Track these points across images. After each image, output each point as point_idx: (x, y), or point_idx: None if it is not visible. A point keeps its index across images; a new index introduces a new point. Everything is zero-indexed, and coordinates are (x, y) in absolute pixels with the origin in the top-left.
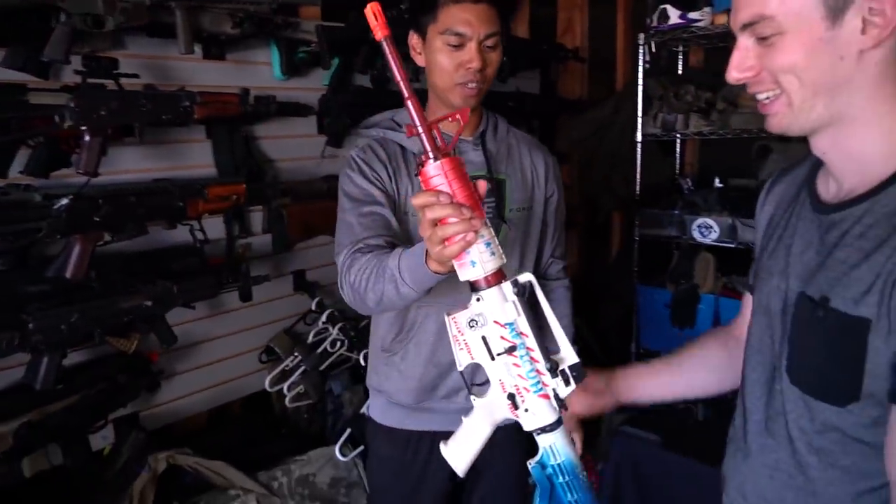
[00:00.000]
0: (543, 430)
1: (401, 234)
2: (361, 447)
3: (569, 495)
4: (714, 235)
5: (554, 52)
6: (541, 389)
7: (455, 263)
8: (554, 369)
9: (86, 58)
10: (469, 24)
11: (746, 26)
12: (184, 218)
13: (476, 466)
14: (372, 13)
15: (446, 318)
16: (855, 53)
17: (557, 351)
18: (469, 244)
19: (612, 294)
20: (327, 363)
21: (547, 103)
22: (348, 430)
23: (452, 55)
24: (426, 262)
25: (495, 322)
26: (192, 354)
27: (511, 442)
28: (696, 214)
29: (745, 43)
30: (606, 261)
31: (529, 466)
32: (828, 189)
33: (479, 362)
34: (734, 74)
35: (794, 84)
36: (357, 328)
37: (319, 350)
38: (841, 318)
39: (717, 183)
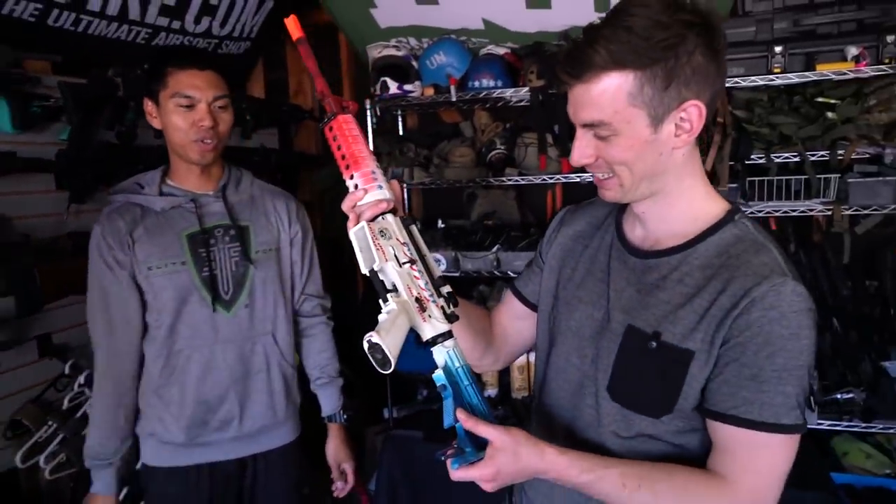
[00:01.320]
0: (445, 336)
1: (148, 292)
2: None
3: (473, 398)
4: (442, 267)
5: (291, 112)
6: (436, 300)
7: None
8: (438, 288)
9: None
10: (197, 87)
11: (588, 125)
12: None
13: (259, 491)
14: (291, 23)
15: (364, 225)
16: (670, 150)
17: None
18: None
19: (360, 322)
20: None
21: (288, 157)
22: (126, 489)
23: (185, 115)
24: None
25: (397, 239)
26: None
27: (280, 469)
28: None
29: (584, 135)
30: (355, 301)
31: (434, 376)
32: (635, 235)
33: (388, 266)
34: (576, 160)
35: (626, 172)
36: None
37: (79, 414)
38: (671, 349)
39: (439, 224)
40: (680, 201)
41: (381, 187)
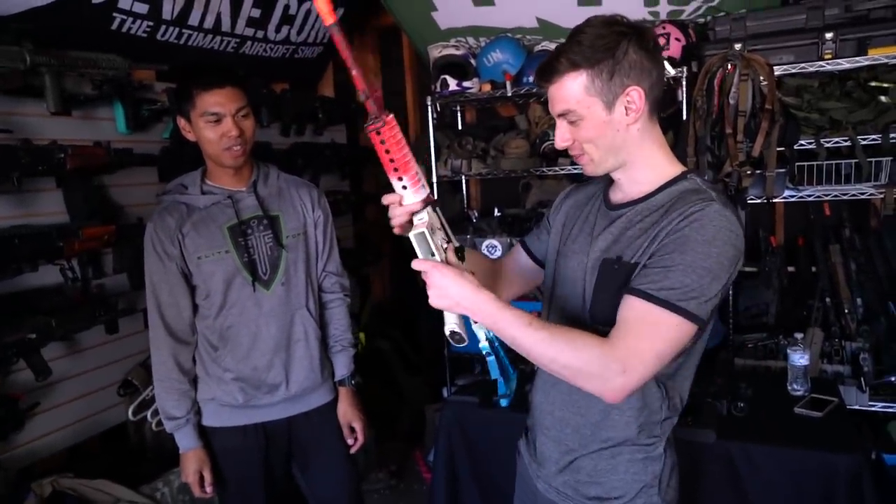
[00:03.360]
0: None
1: (198, 278)
2: None
3: (505, 360)
4: (498, 253)
5: (358, 110)
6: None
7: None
8: (458, 249)
9: None
10: (220, 104)
11: (561, 114)
12: (61, 257)
13: (306, 446)
14: (318, 4)
15: (425, 231)
16: (625, 127)
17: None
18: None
19: (425, 309)
20: None
21: (355, 152)
22: None
23: (215, 129)
24: None
25: (438, 228)
26: (51, 393)
27: (324, 423)
28: (484, 237)
29: (562, 123)
30: (417, 283)
31: (480, 346)
32: (615, 197)
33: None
34: (559, 144)
35: (593, 149)
36: None
37: None
38: (626, 265)
39: (496, 212)
40: (644, 168)
41: (423, 186)
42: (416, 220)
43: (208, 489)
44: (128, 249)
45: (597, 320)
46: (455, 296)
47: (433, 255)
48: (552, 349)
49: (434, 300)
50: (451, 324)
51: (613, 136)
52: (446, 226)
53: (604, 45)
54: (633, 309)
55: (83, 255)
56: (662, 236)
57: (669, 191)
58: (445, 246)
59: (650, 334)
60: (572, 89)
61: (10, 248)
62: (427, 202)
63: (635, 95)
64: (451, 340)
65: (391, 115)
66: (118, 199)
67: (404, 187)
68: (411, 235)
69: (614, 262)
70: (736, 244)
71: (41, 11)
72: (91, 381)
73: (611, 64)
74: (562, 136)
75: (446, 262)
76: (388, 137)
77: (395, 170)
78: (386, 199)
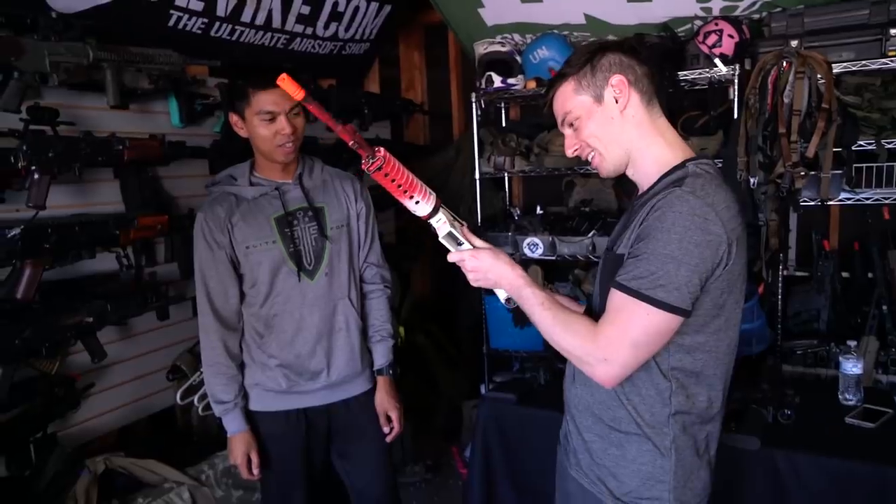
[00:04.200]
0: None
1: (245, 267)
2: None
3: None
4: (540, 251)
5: (403, 106)
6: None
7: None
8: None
9: (31, 108)
10: (275, 103)
11: (563, 122)
12: (117, 244)
13: (345, 433)
14: (286, 80)
15: (451, 229)
16: (619, 115)
17: None
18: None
19: (464, 305)
20: None
21: (399, 148)
22: None
23: (269, 127)
24: None
25: (455, 221)
26: (104, 376)
27: (363, 410)
28: (525, 235)
29: (567, 132)
30: (457, 278)
31: (502, 301)
32: (637, 193)
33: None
34: (569, 153)
35: (598, 143)
36: None
37: None
38: (616, 256)
39: (538, 210)
40: (649, 161)
41: (430, 192)
42: (435, 222)
43: (255, 471)
44: (179, 239)
45: (603, 308)
46: (493, 275)
47: (461, 244)
48: (552, 330)
49: (475, 282)
50: (503, 294)
51: (610, 125)
52: (452, 213)
53: (583, 55)
54: (612, 299)
55: (137, 244)
56: (638, 228)
57: (664, 181)
58: (464, 232)
59: (623, 323)
60: (564, 94)
61: (71, 236)
62: (437, 204)
63: (617, 81)
64: (506, 306)
65: (381, 149)
66: (171, 190)
67: (417, 202)
68: (441, 239)
69: (609, 252)
70: (703, 227)
71: (104, 8)
72: (142, 365)
73: (591, 65)
74: (569, 144)
75: (475, 247)
76: (390, 170)
77: (405, 192)
78: (452, 257)
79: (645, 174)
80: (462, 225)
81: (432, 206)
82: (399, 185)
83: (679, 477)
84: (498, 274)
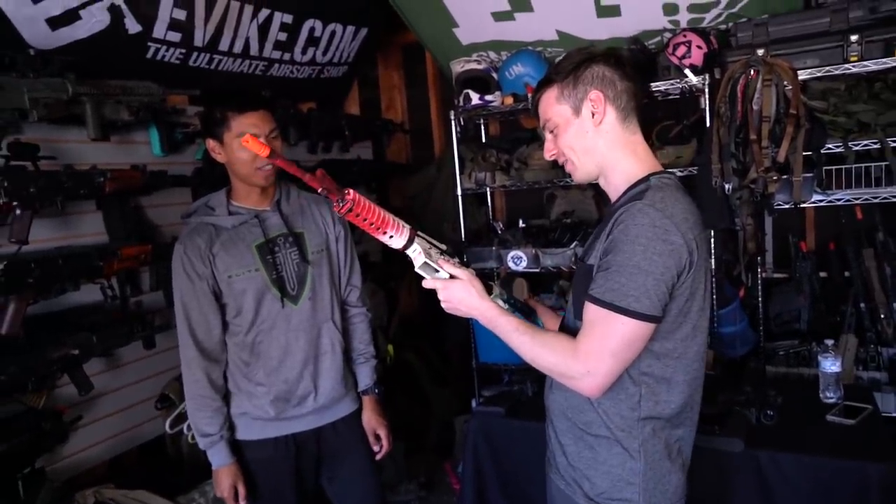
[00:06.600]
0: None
1: (228, 296)
2: None
3: (515, 308)
4: (524, 264)
5: (384, 126)
6: (451, 260)
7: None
8: (448, 251)
9: (11, 144)
10: (255, 125)
11: (544, 126)
12: (101, 275)
13: (334, 456)
14: (250, 142)
15: (425, 259)
16: (594, 129)
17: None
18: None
19: (452, 321)
20: None
21: (380, 167)
22: None
23: (249, 150)
24: None
25: (428, 249)
26: (92, 407)
27: (351, 430)
28: (509, 248)
29: (548, 136)
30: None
31: (500, 300)
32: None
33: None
34: (546, 155)
35: (572, 153)
36: None
37: None
38: (587, 266)
39: (521, 223)
40: (618, 173)
41: (402, 225)
42: (410, 253)
43: (242, 503)
44: (163, 267)
45: (578, 317)
46: (463, 307)
47: (437, 271)
48: (532, 352)
49: (448, 311)
50: (501, 290)
51: (585, 137)
52: (430, 239)
53: (570, 64)
54: (587, 312)
55: (121, 274)
56: (605, 241)
57: (628, 194)
58: (439, 261)
59: (601, 335)
60: (548, 101)
61: (55, 269)
62: (411, 235)
63: (595, 96)
64: (504, 293)
65: (351, 191)
66: (154, 219)
67: (391, 237)
68: (417, 269)
69: (581, 263)
70: (665, 238)
71: (82, 43)
72: (130, 396)
73: (574, 75)
74: (547, 148)
75: (451, 276)
76: (361, 210)
77: (378, 228)
78: (427, 284)
79: (614, 186)
80: (441, 251)
81: (406, 238)
82: (371, 224)
83: (649, 479)
84: (468, 305)
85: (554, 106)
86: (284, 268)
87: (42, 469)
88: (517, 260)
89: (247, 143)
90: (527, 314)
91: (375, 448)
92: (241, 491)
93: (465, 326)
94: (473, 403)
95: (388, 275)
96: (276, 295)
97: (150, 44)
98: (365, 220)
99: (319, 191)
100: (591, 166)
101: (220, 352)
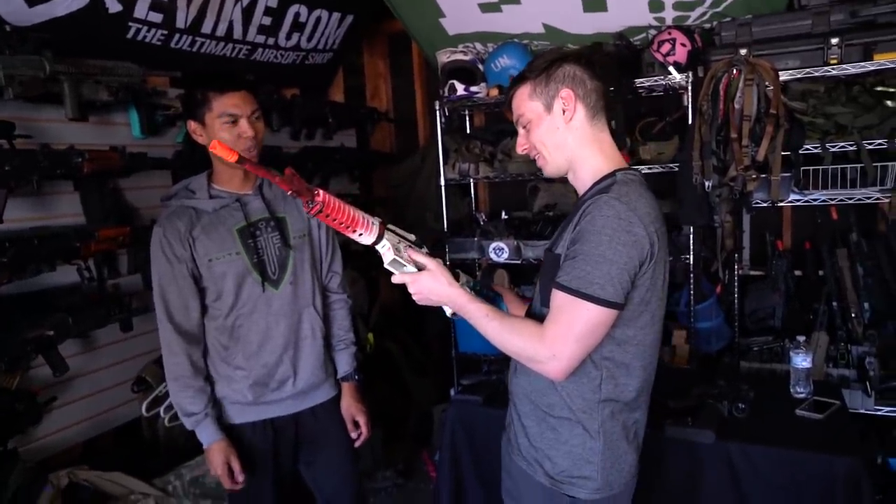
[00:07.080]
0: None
1: (208, 280)
2: None
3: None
4: (505, 255)
5: (368, 114)
6: (420, 251)
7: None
8: (416, 242)
9: None
10: (237, 106)
11: (517, 121)
12: (78, 257)
13: (312, 441)
14: (217, 147)
15: (394, 257)
16: (564, 125)
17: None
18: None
19: (432, 311)
20: None
21: (364, 155)
22: None
23: (231, 130)
24: None
25: (399, 243)
26: (67, 389)
27: (330, 416)
28: (491, 240)
29: (520, 131)
30: None
31: (467, 287)
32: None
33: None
34: (519, 149)
35: (543, 148)
36: None
37: None
38: (554, 256)
39: (503, 215)
40: (586, 169)
41: (371, 222)
42: (380, 249)
43: (239, 478)
44: (142, 250)
45: (544, 304)
46: (434, 296)
47: (405, 267)
48: (500, 337)
49: (420, 303)
50: (448, 310)
51: (555, 133)
52: (399, 231)
53: (543, 62)
54: (555, 299)
55: (99, 256)
56: (573, 232)
57: (595, 188)
58: (408, 252)
59: (567, 321)
60: (521, 97)
61: (30, 249)
62: (380, 231)
63: (566, 94)
64: (452, 318)
65: (320, 191)
66: (133, 201)
67: (360, 234)
68: (386, 266)
69: (549, 253)
70: (629, 229)
71: (61, 21)
72: (106, 378)
73: (547, 73)
74: (520, 143)
75: (419, 268)
76: (331, 211)
77: (348, 227)
78: (396, 280)
79: (582, 181)
80: (410, 243)
81: (375, 235)
82: (341, 223)
83: (607, 458)
84: (438, 294)
85: (527, 102)
86: (266, 252)
87: (15, 450)
88: (499, 251)
89: (214, 149)
90: (492, 299)
91: (354, 435)
92: (236, 466)
93: (445, 317)
94: (452, 392)
95: (370, 264)
96: (256, 279)
97: (130, 24)
98: (335, 220)
99: (289, 193)
100: (561, 161)
101: (199, 334)
